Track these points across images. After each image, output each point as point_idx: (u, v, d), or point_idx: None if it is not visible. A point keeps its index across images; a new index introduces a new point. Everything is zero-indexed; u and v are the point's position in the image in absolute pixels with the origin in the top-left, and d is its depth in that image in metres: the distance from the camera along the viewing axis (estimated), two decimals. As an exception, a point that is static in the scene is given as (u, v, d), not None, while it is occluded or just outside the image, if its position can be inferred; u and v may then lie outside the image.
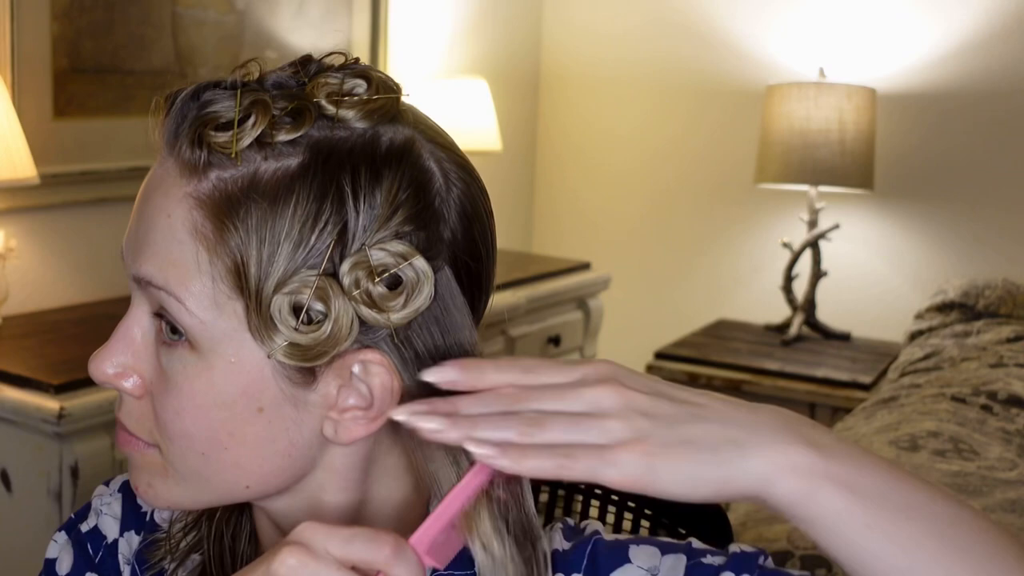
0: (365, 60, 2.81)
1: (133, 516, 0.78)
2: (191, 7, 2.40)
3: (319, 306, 0.61)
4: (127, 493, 0.79)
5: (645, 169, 3.41)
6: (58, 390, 1.74)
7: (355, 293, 0.61)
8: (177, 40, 2.39)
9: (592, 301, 2.96)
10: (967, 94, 2.96)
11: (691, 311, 3.31)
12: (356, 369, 0.63)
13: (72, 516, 0.80)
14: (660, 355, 2.89)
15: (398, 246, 0.61)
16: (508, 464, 0.55)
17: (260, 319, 0.61)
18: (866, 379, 2.70)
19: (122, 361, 0.66)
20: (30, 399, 1.74)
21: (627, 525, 1.06)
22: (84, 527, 0.78)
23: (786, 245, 2.96)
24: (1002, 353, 2.53)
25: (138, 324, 0.66)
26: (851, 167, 2.83)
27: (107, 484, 0.80)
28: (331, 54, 0.66)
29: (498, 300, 2.63)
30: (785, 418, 0.59)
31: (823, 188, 2.90)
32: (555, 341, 2.83)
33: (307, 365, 0.62)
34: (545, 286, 2.79)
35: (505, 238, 3.47)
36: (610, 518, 1.07)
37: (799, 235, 3.01)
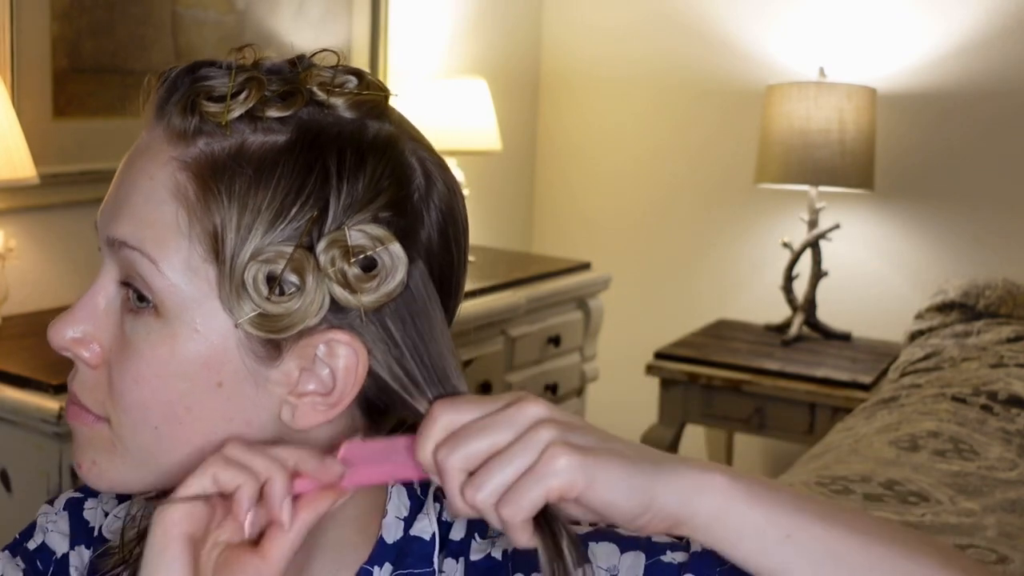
0: (365, 60, 2.80)
1: (82, 532, 0.77)
2: (191, 7, 2.40)
3: (293, 278, 0.61)
4: (73, 510, 0.78)
5: (645, 169, 3.41)
6: (58, 390, 1.74)
7: (330, 271, 0.61)
8: (177, 40, 2.39)
9: (592, 301, 2.96)
10: (967, 94, 2.96)
11: (691, 311, 3.31)
12: (321, 351, 0.63)
13: (17, 536, 0.78)
14: (660, 355, 2.89)
15: (376, 229, 0.62)
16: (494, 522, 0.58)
17: (232, 285, 0.61)
18: (866, 379, 2.70)
19: (83, 328, 0.65)
20: (30, 399, 1.74)
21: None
22: (31, 545, 0.77)
23: (786, 245, 2.96)
24: (1002, 353, 2.53)
25: (103, 291, 0.65)
26: (851, 167, 2.83)
27: (51, 503, 0.79)
28: (323, 51, 0.68)
29: (498, 300, 2.65)
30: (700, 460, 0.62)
31: (823, 188, 2.89)
32: (555, 341, 2.83)
33: (273, 337, 0.62)
34: (545, 286, 2.79)
35: (505, 238, 3.47)
36: None
37: (799, 235, 3.01)
